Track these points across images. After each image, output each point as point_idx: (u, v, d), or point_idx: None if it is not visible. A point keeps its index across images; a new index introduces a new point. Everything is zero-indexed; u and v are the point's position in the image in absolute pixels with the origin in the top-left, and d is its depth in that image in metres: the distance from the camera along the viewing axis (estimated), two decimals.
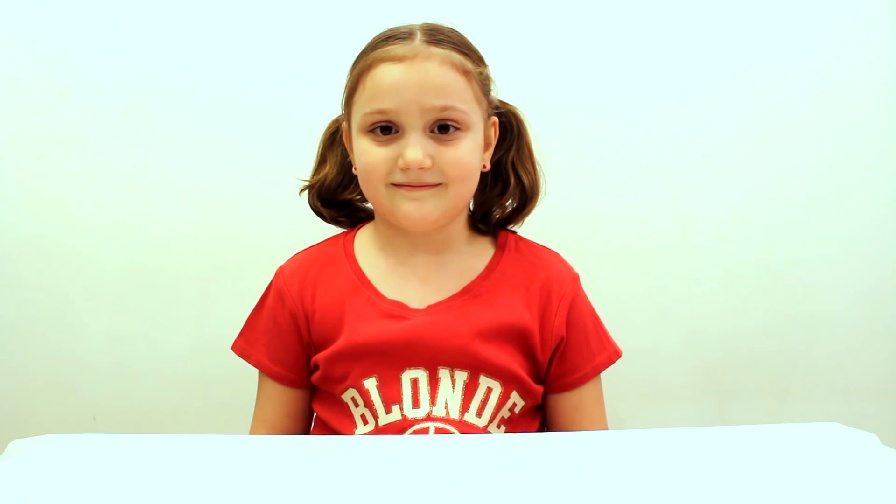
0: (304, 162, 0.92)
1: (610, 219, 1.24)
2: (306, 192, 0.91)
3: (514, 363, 0.81)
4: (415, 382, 0.80)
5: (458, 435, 0.77)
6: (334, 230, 0.92)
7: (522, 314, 0.82)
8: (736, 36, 1.23)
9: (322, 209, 0.91)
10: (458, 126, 0.77)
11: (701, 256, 1.25)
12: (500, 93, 0.85)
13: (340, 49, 0.85)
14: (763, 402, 1.27)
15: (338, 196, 0.90)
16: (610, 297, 1.14)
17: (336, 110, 0.86)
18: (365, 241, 0.87)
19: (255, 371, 0.88)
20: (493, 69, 0.83)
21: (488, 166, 0.85)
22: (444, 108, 0.76)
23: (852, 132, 1.25)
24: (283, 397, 0.86)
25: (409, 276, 0.84)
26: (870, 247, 1.26)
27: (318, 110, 0.92)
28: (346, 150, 0.86)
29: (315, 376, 0.84)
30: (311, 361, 0.85)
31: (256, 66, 1.20)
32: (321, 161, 0.90)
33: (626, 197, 1.24)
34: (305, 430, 0.89)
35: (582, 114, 1.23)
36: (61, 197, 1.21)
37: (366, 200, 0.88)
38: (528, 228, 0.91)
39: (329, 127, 0.90)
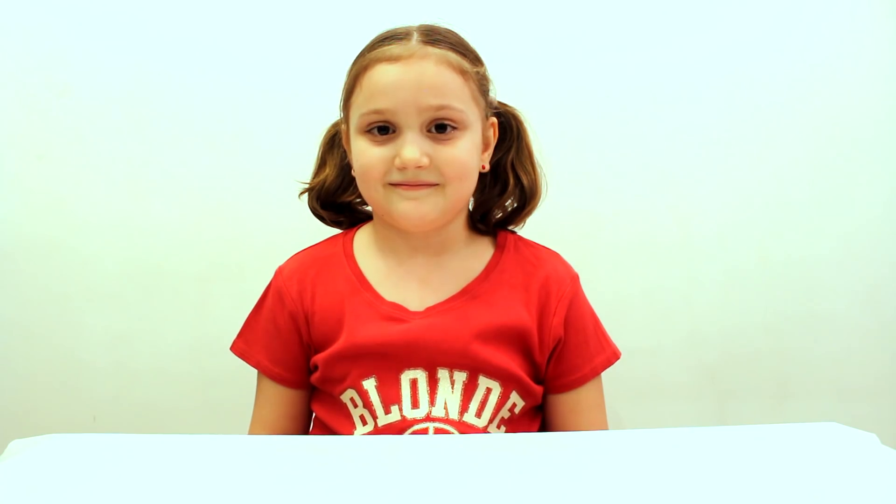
0: (303, 162, 0.92)
1: (610, 218, 1.24)
2: (306, 194, 0.91)
3: (514, 364, 0.81)
4: (414, 383, 0.80)
5: (457, 435, 0.77)
6: (334, 230, 0.92)
7: (521, 315, 0.82)
8: (735, 35, 1.23)
9: (322, 212, 0.91)
10: (455, 125, 0.77)
11: (701, 256, 1.26)
12: (499, 93, 0.85)
13: (340, 49, 0.85)
14: (763, 402, 1.27)
15: (337, 199, 0.90)
16: (610, 296, 1.15)
17: (336, 110, 0.85)
18: (364, 242, 0.87)
19: (255, 371, 0.88)
20: (493, 69, 0.83)
21: (487, 167, 0.84)
22: (441, 108, 0.76)
23: (852, 132, 1.25)
24: (283, 398, 0.86)
25: (408, 277, 0.84)
26: (870, 247, 1.26)
27: (318, 110, 0.92)
28: (345, 152, 0.86)
29: (314, 377, 0.84)
30: (311, 362, 0.85)
31: (256, 67, 1.20)
32: (321, 164, 0.90)
33: (627, 196, 1.24)
34: (304, 431, 0.89)
35: (582, 113, 1.23)
36: (61, 197, 1.21)
37: (365, 203, 0.88)
38: (529, 228, 0.91)
39: (329, 130, 0.90)
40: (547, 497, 0.54)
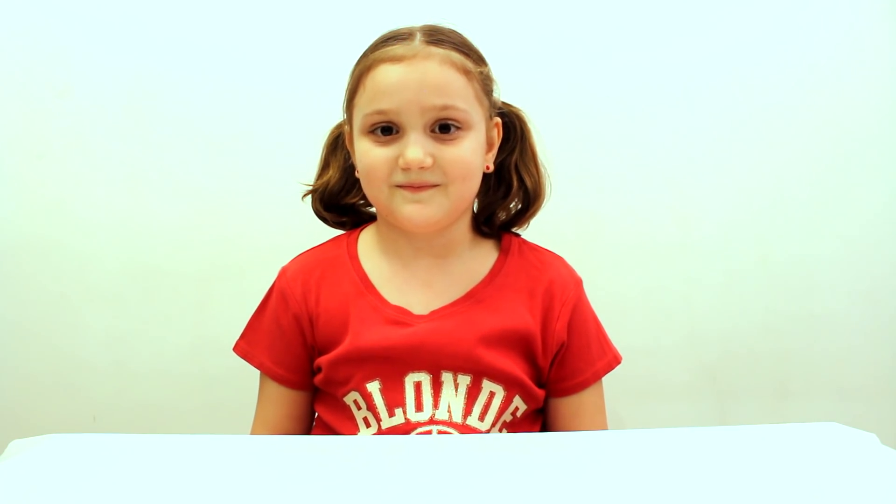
0: (304, 162, 0.92)
1: (610, 219, 1.24)
2: (309, 196, 0.91)
3: (517, 368, 0.81)
4: (418, 386, 0.79)
5: (458, 435, 0.77)
6: (336, 231, 0.92)
7: (525, 319, 0.82)
8: (736, 35, 1.23)
9: (325, 213, 0.90)
10: (458, 125, 0.77)
11: (701, 256, 1.26)
12: (501, 93, 0.85)
13: (341, 50, 0.85)
14: (763, 402, 1.27)
15: (341, 200, 0.90)
16: (610, 296, 1.15)
17: (337, 110, 0.85)
18: (368, 244, 0.87)
19: (256, 370, 0.88)
20: (495, 70, 0.83)
21: (491, 167, 0.84)
22: (445, 108, 0.76)
23: (852, 132, 1.25)
24: (285, 399, 0.86)
25: (412, 280, 0.83)
26: (870, 247, 1.26)
27: (319, 111, 0.92)
28: (349, 154, 0.86)
29: (317, 378, 0.84)
30: (314, 364, 0.84)
31: (257, 67, 1.20)
32: (324, 166, 0.90)
33: (627, 197, 1.24)
34: (307, 432, 0.88)
35: (582, 114, 1.23)
36: (61, 197, 1.21)
37: (369, 205, 0.88)
38: (530, 228, 0.91)
39: (332, 132, 0.90)
40: (548, 497, 0.54)
